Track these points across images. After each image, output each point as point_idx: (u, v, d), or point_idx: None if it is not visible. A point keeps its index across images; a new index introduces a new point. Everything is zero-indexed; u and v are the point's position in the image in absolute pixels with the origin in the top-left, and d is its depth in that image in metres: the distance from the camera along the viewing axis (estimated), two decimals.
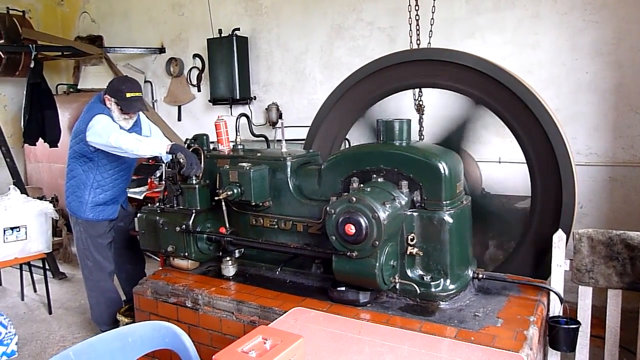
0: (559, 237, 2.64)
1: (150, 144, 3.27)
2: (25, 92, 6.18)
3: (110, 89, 3.49)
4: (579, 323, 2.54)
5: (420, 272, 2.48)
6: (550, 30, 4.48)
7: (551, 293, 2.61)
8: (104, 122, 3.36)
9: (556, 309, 2.61)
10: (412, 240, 2.44)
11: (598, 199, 4.41)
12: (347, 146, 4.18)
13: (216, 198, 2.82)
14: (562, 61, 4.45)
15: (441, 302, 2.44)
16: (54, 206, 4.87)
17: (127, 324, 3.20)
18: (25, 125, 6.19)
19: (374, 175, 2.57)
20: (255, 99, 6.32)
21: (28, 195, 5.00)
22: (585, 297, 2.69)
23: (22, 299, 5.08)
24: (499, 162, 4.50)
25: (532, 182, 3.00)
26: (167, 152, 3.12)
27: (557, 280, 2.65)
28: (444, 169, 2.43)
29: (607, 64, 4.28)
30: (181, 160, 3.00)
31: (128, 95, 3.44)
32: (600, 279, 2.62)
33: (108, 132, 3.29)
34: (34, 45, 6.17)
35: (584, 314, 2.68)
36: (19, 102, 7.09)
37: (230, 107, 6.36)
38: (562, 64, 4.45)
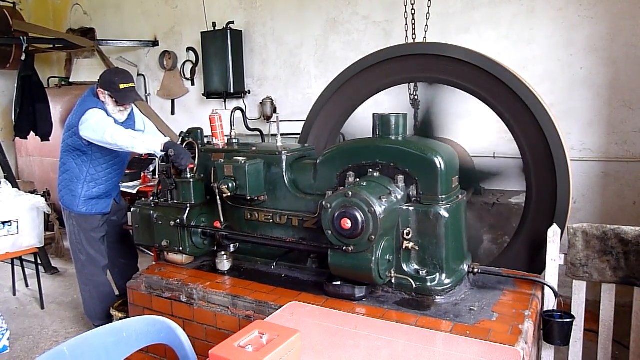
0: (553, 232, 2.65)
1: (145, 141, 3.24)
2: (16, 85, 6.13)
3: (103, 82, 3.46)
4: (573, 317, 2.56)
5: (416, 267, 2.48)
6: (546, 26, 4.49)
7: (546, 287, 2.62)
8: (98, 117, 3.33)
9: (550, 303, 2.62)
10: (408, 234, 2.43)
11: (592, 194, 4.43)
12: (341, 141, 4.17)
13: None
14: (557, 57, 4.46)
15: (437, 297, 2.44)
16: (46, 200, 4.83)
17: (120, 318, 3.19)
18: (17, 118, 6.14)
19: (370, 170, 2.56)
20: (249, 93, 6.29)
21: (19, 190, 4.96)
22: (579, 292, 2.70)
23: (14, 294, 5.04)
24: (494, 157, 4.51)
25: (527, 177, 3.01)
26: (161, 150, 3.10)
27: (551, 274, 2.67)
28: (440, 164, 2.43)
29: (601, 60, 4.29)
30: (171, 155, 2.99)
31: (122, 86, 3.41)
32: (595, 273, 2.63)
33: (103, 127, 3.26)
34: (25, 38, 6.11)
35: (578, 308, 2.69)
36: (10, 95, 7.03)
37: (225, 101, 6.32)
38: (557, 60, 4.46)
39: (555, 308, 2.60)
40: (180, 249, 3.01)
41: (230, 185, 2.77)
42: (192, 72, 6.76)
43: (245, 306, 2.58)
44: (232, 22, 6.07)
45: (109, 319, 3.68)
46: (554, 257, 2.66)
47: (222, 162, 2.85)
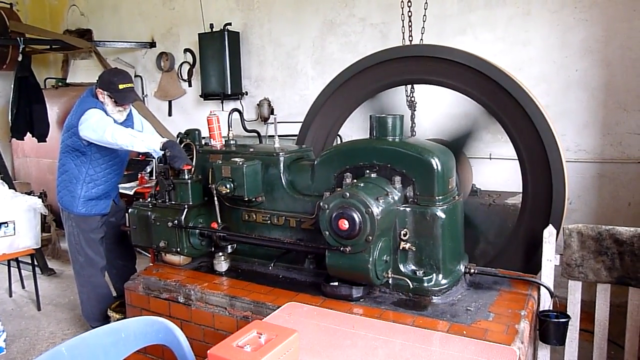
0: (549, 232, 2.67)
1: (145, 140, 3.26)
2: (12, 86, 6.13)
3: (102, 82, 3.46)
4: (568, 317, 2.57)
5: (413, 267, 2.50)
6: (541, 28, 4.51)
7: (541, 287, 2.64)
8: (98, 116, 3.34)
9: (546, 303, 2.64)
10: (404, 235, 2.44)
11: (587, 195, 4.46)
12: (339, 142, 4.19)
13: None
14: (552, 58, 4.49)
15: (433, 297, 2.45)
16: (42, 201, 4.82)
17: (118, 319, 3.18)
18: (13, 119, 6.14)
19: (367, 171, 2.57)
20: (246, 94, 6.30)
21: (16, 191, 4.94)
22: (574, 292, 2.72)
23: (10, 296, 5.03)
24: (490, 158, 4.53)
25: (523, 178, 3.03)
26: (160, 149, 3.10)
27: (547, 274, 2.68)
28: (437, 165, 2.44)
29: (596, 62, 4.32)
30: (167, 154, 3.00)
31: (121, 86, 3.42)
32: (590, 273, 2.65)
33: (103, 126, 3.27)
34: (21, 39, 6.10)
35: (574, 308, 2.71)
36: (7, 96, 7.03)
37: (222, 103, 6.33)
38: (552, 62, 4.49)
39: (551, 308, 2.62)
40: (178, 249, 3.01)
41: (227, 186, 2.78)
42: (190, 73, 6.76)
43: (243, 307, 2.59)
44: (230, 24, 6.08)
45: (106, 320, 3.68)
46: (550, 258, 2.68)
47: (220, 163, 2.86)
